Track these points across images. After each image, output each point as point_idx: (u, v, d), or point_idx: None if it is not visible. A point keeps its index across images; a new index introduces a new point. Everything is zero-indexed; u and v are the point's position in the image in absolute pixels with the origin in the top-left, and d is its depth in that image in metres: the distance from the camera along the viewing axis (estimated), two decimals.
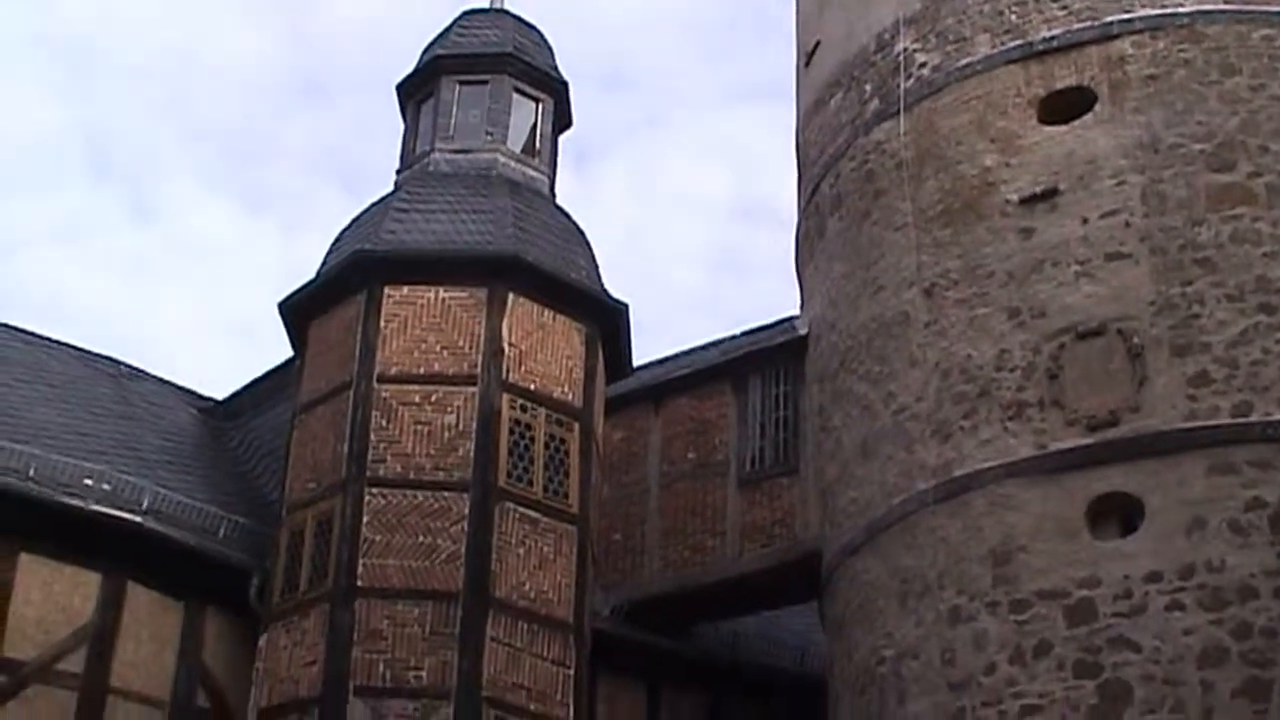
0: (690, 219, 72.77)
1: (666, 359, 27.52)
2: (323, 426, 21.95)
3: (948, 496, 20.75)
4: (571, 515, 21.75)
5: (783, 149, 28.04)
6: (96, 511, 20.78)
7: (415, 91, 25.48)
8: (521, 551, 21.01)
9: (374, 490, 20.98)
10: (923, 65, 23.44)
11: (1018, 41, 22.54)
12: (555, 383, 22.28)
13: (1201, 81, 21.21)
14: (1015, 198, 21.58)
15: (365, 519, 20.80)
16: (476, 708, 19.84)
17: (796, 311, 26.03)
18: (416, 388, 21.63)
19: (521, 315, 22.21)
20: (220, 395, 28.33)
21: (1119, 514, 19.47)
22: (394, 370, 21.69)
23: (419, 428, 21.34)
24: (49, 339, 26.81)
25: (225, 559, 21.78)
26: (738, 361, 25.78)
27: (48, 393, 24.53)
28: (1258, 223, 20.27)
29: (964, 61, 22.97)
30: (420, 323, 21.95)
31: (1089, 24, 22.09)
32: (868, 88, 24.35)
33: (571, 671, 21.04)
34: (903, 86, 23.49)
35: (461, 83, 25.05)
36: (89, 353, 27.18)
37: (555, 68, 25.88)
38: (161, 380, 27.87)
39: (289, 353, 24.13)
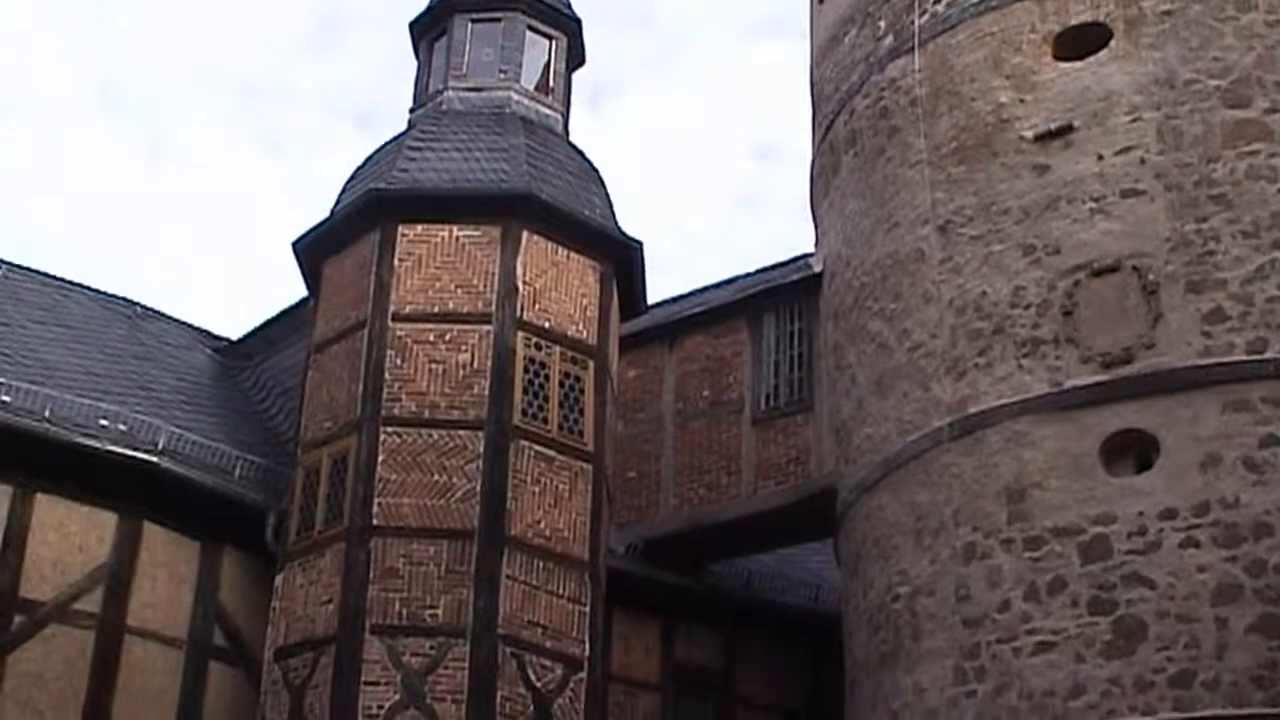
0: (705, 157, 72.71)
1: (681, 297, 27.51)
2: (337, 365, 21.96)
3: (963, 433, 20.74)
4: (586, 453, 21.77)
5: (798, 86, 27.91)
6: (112, 452, 20.83)
7: (428, 30, 25.39)
8: (537, 489, 21.04)
9: (389, 429, 20.99)
10: (937, 1, 23.30)
11: None
12: (570, 320, 22.26)
13: (1217, 17, 21.04)
14: (1030, 134, 21.48)
15: (380, 458, 20.82)
16: (492, 645, 19.90)
17: (811, 249, 25.99)
18: (431, 326, 21.61)
19: (535, 253, 22.17)
20: (235, 335, 28.39)
21: (1134, 451, 19.45)
22: (408, 309, 21.67)
23: (434, 366, 21.34)
24: (64, 280, 26.87)
25: (241, 498, 21.84)
26: (752, 299, 25.75)
27: (63, 334, 24.58)
28: (1273, 159, 20.15)
29: None
30: (434, 261, 21.92)
31: None
32: (882, 24, 24.21)
33: (587, 609, 21.09)
34: (917, 23, 23.36)
35: (474, 20, 24.95)
36: (104, 293, 27.25)
37: (568, 5, 25.79)
38: (176, 320, 27.92)
39: (303, 292, 24.13)
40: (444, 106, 24.26)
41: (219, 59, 68.64)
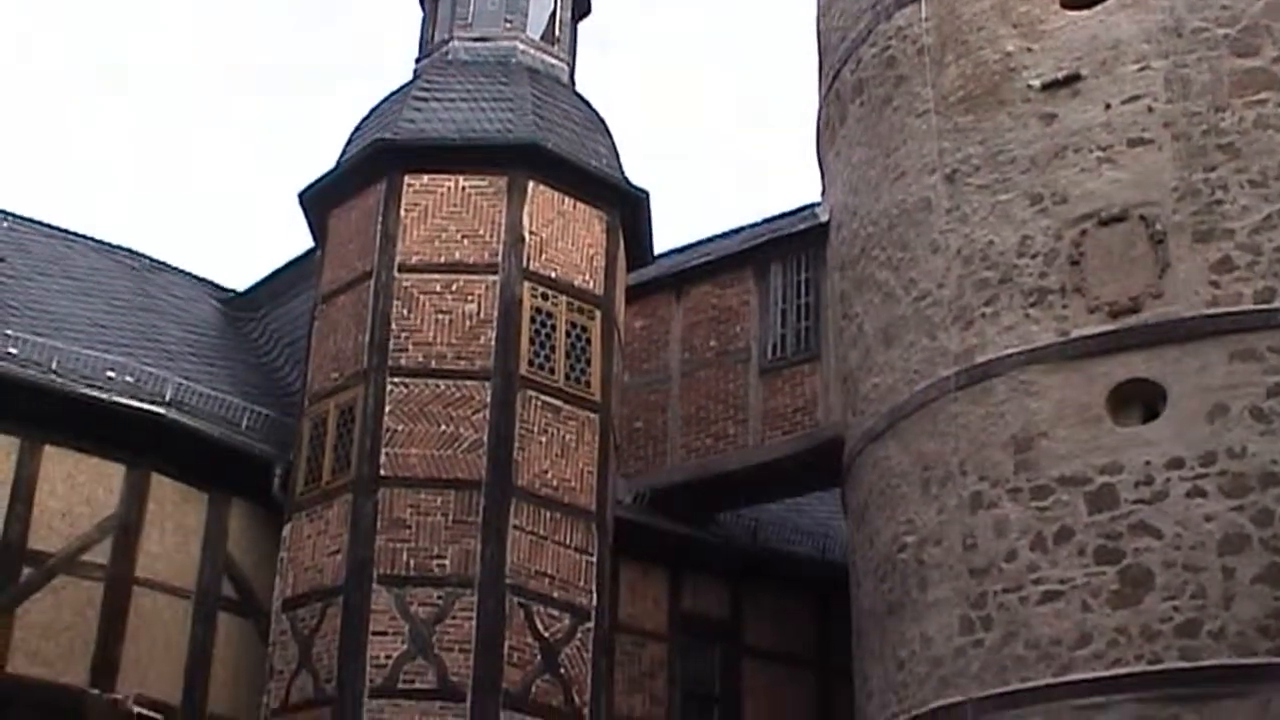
0: (712, 106, 72.44)
1: (687, 246, 27.48)
2: (344, 316, 21.96)
3: (970, 383, 20.73)
4: (593, 403, 21.79)
5: (806, 34, 27.83)
6: (119, 403, 20.88)
7: None
8: (544, 439, 21.07)
9: (396, 379, 21.01)
10: None
11: None
12: (576, 270, 22.25)
13: None
14: (1037, 83, 21.39)
15: (387, 408, 20.84)
16: (500, 595, 19.95)
17: (818, 198, 25.95)
18: (437, 276, 21.60)
19: (542, 203, 22.15)
20: (241, 286, 28.40)
21: (1141, 400, 19.44)
22: (415, 259, 21.66)
23: (440, 316, 21.34)
24: (70, 232, 26.91)
25: (248, 449, 21.88)
26: (759, 249, 25.72)
27: (69, 286, 24.60)
28: None
29: None
30: (440, 211, 21.90)
31: None
32: None
33: (594, 559, 21.13)
34: None
35: None
36: (110, 245, 27.28)
37: None
38: (183, 272, 27.96)
39: (309, 243, 24.12)
40: (449, 57, 24.21)
41: (224, 10, 68.44)
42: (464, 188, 21.98)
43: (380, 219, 21.94)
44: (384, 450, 20.61)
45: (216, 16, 68.27)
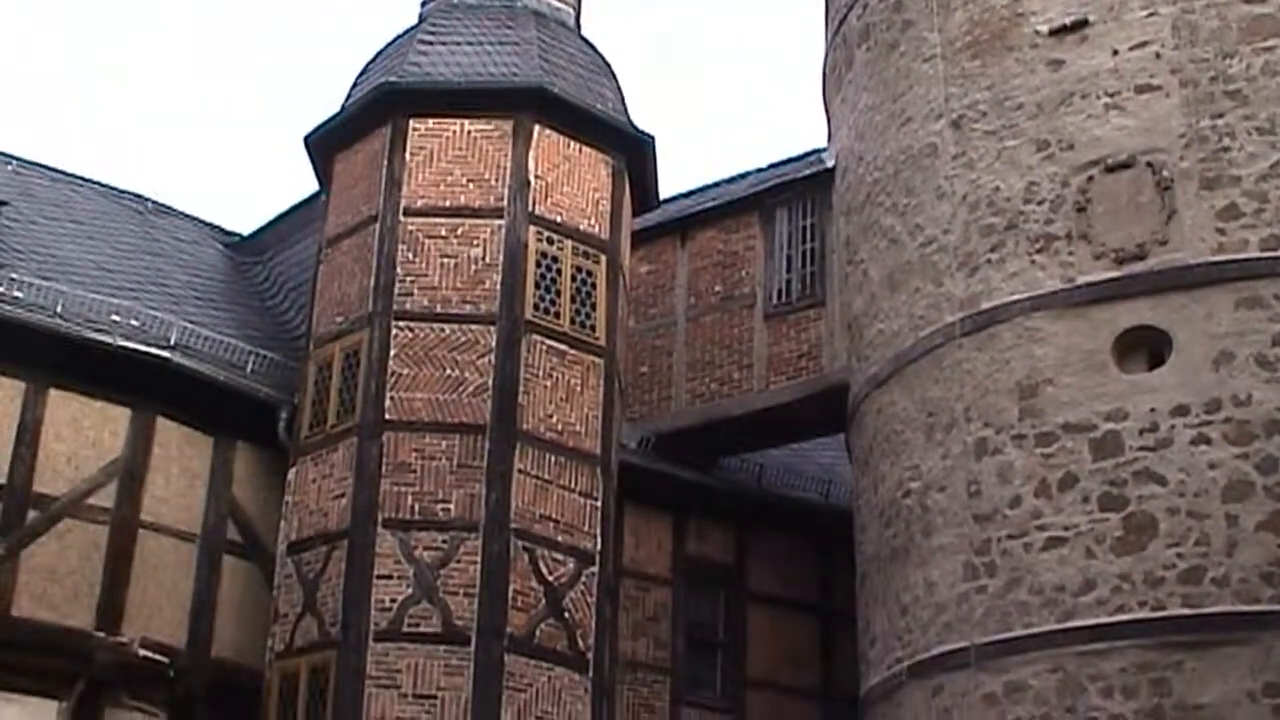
0: (719, 51, 72.22)
1: (693, 191, 27.50)
2: (349, 260, 21.94)
3: (975, 329, 20.74)
4: (599, 347, 21.77)
5: None
6: (124, 347, 20.84)
7: None
8: (549, 384, 21.06)
9: (401, 324, 20.99)
10: None
11: None
12: (582, 215, 22.21)
13: None
14: (1045, 29, 21.32)
15: (392, 352, 20.84)
16: (504, 540, 19.98)
17: (824, 144, 25.91)
18: (442, 221, 21.56)
19: (547, 147, 22.10)
20: (246, 230, 28.37)
21: (1146, 347, 19.45)
22: (420, 203, 21.62)
23: (445, 261, 21.31)
24: (75, 176, 26.88)
25: (253, 393, 21.86)
26: (765, 194, 25.70)
27: (74, 229, 24.58)
28: None
29: None
30: (446, 155, 21.86)
31: None
32: None
33: (599, 503, 21.16)
34: None
35: None
36: (115, 189, 27.26)
37: None
38: (188, 216, 27.95)
39: (315, 187, 24.07)
40: (455, 0, 24.09)
41: None
42: (469, 131, 21.93)
43: (385, 163, 21.90)
44: (389, 394, 20.62)
45: None
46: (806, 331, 24.47)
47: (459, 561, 19.86)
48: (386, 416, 20.51)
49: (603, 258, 22.21)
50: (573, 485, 20.90)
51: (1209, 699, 17.83)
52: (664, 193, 24.58)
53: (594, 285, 21.97)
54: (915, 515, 20.93)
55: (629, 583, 24.00)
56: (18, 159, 26.10)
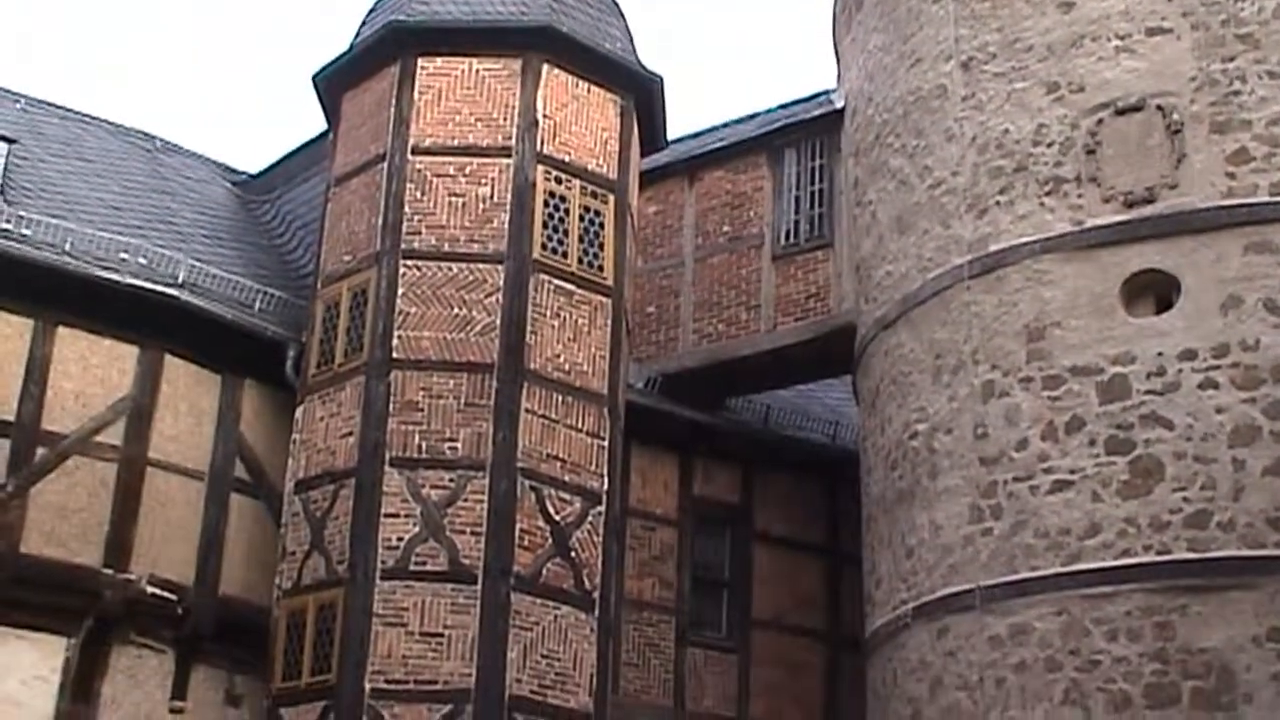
0: None
1: (701, 132, 27.41)
2: (357, 199, 21.92)
3: (983, 271, 20.74)
4: (606, 287, 21.75)
5: None
6: (133, 285, 20.87)
7: None
8: (556, 323, 21.05)
9: (409, 262, 20.96)
10: None
11: None
12: (590, 154, 22.16)
13: None
14: None
15: (400, 291, 20.82)
16: (511, 479, 20.01)
17: (833, 84, 25.84)
18: (451, 159, 21.51)
19: (556, 86, 22.04)
20: (254, 169, 28.34)
21: (1154, 291, 19.45)
22: (428, 142, 21.58)
23: (453, 200, 21.28)
24: (83, 114, 26.85)
25: (261, 331, 21.88)
26: (773, 134, 25.65)
27: (83, 168, 24.56)
28: None
29: None
30: (454, 94, 21.80)
31: None
32: None
33: (605, 443, 21.18)
34: None
35: None
36: (123, 127, 27.23)
37: None
38: (196, 154, 27.92)
39: (323, 125, 24.04)
40: None
41: None
42: (478, 70, 21.87)
43: (394, 102, 21.85)
44: (396, 333, 20.62)
45: None
46: (814, 273, 24.46)
47: (466, 500, 19.89)
48: (394, 355, 20.52)
49: (611, 197, 22.17)
50: (580, 425, 20.92)
51: (1214, 643, 17.90)
52: (672, 133, 24.53)
53: (602, 225, 21.94)
54: (922, 457, 20.97)
55: (635, 522, 24.08)
56: (26, 98, 26.07)
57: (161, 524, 20.77)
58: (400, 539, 19.69)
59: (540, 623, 19.79)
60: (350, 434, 20.47)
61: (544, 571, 20.00)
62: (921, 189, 22.01)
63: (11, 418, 20.00)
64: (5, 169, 22.30)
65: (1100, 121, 20.24)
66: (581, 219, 21.77)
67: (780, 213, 25.14)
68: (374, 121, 22.09)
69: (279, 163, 27.72)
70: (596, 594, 20.49)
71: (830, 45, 26.19)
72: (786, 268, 24.78)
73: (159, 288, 21.08)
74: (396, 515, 19.83)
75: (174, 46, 66.92)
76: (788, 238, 24.96)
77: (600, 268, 21.76)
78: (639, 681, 23.68)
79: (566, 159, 21.82)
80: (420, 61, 21.94)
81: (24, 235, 20.55)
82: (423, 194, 21.28)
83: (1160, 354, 19.00)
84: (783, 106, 26.43)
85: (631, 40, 23.52)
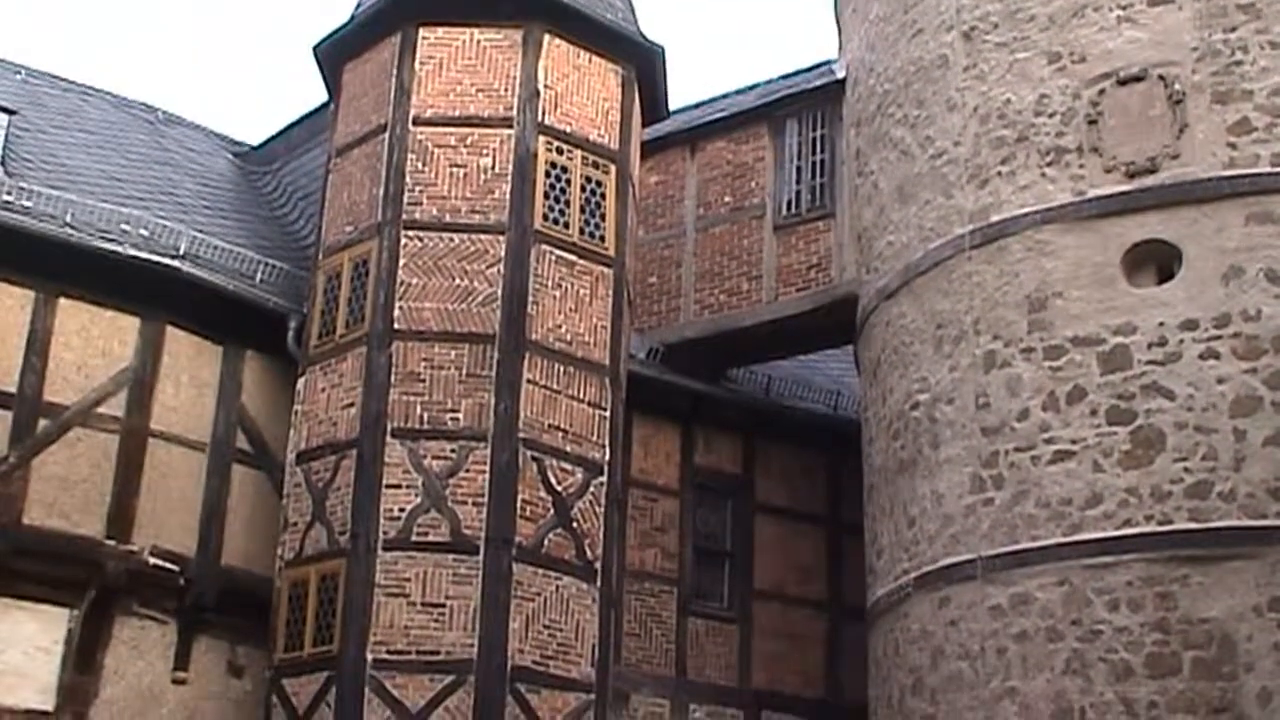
0: None
1: (703, 102, 27.38)
2: (358, 170, 21.90)
3: (985, 242, 20.73)
4: (608, 258, 21.74)
5: None
6: (134, 256, 20.87)
7: None
8: (558, 294, 21.05)
9: (410, 233, 20.95)
10: None
11: None
12: (591, 125, 22.14)
13: None
14: None
15: (401, 262, 20.80)
16: (513, 449, 20.02)
17: (834, 55, 25.80)
18: (452, 130, 21.49)
19: (557, 57, 22.01)
20: (256, 140, 28.33)
21: (1156, 261, 19.45)
22: (429, 113, 21.55)
23: (455, 170, 21.26)
24: (85, 85, 26.85)
25: (263, 303, 21.87)
26: (775, 104, 25.63)
27: (84, 139, 24.55)
28: None
29: None
30: (455, 65, 21.76)
31: None
32: None
33: (607, 414, 21.19)
34: None
35: None
36: (125, 99, 27.25)
37: None
38: (197, 126, 27.94)
39: (324, 96, 24.02)
40: None
41: None
42: (479, 41, 21.83)
43: (395, 72, 21.82)
44: (398, 304, 20.61)
45: None
46: (816, 243, 24.45)
47: (468, 471, 19.90)
48: (395, 326, 20.51)
49: (612, 168, 22.15)
50: (581, 395, 20.93)
51: (1215, 613, 17.93)
52: (674, 103, 24.50)
53: (603, 195, 21.93)
54: (923, 427, 20.98)
55: (637, 493, 24.12)
56: (28, 69, 26.07)
57: (163, 495, 20.79)
58: (402, 510, 19.70)
59: (542, 593, 19.81)
60: (352, 405, 20.47)
61: (546, 542, 20.02)
62: (923, 159, 21.99)
63: (13, 389, 20.00)
64: (6, 140, 22.29)
65: (1102, 92, 20.22)
66: (583, 189, 21.75)
67: (782, 183, 25.13)
68: (375, 92, 22.06)
69: (280, 134, 27.71)
70: (598, 564, 20.51)
71: (831, 15, 26.14)
72: (788, 238, 24.77)
73: (160, 259, 21.08)
74: (398, 486, 19.84)
75: (175, 18, 66.82)
76: (789, 208, 24.95)
77: (602, 238, 21.74)
78: (641, 652, 23.72)
79: (568, 129, 21.79)
80: (421, 32, 21.89)
81: (25, 207, 20.52)
82: (424, 164, 21.26)
83: (1161, 324, 19.00)
84: (784, 77, 26.40)
85: (633, 10, 23.51)
